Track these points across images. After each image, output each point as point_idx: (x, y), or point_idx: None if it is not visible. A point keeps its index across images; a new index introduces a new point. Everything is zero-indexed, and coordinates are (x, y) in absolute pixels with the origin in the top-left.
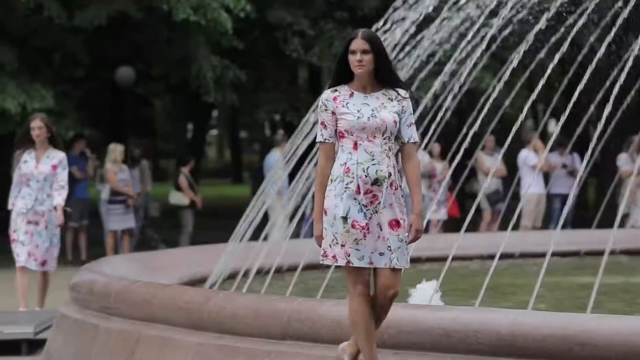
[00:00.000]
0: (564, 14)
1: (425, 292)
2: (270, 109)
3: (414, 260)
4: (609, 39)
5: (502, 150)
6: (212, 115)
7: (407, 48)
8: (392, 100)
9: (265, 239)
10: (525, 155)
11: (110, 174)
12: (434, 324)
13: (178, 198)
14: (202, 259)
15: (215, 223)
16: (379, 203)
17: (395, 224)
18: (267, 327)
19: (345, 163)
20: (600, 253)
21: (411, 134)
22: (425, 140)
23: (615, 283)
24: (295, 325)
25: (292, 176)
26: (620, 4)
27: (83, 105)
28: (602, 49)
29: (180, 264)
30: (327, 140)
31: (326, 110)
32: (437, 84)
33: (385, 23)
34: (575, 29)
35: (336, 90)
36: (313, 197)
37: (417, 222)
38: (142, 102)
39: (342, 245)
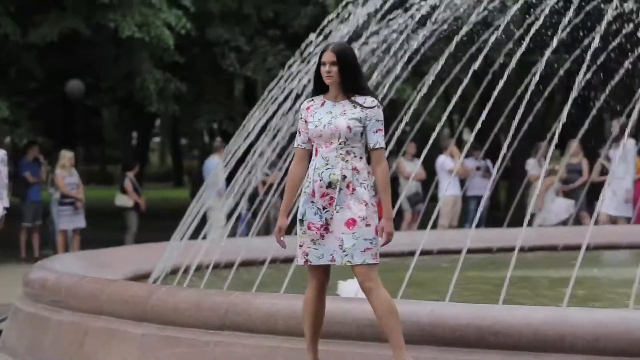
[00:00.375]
0: (478, 32)
1: (353, 286)
2: (209, 119)
3: None
4: (518, 54)
5: (422, 156)
6: (155, 124)
7: None
8: (356, 107)
9: (204, 237)
10: (443, 161)
11: (59, 178)
12: (360, 315)
13: (123, 200)
14: (146, 256)
15: (158, 224)
16: (336, 205)
17: (351, 222)
18: (206, 319)
19: (309, 168)
20: (511, 250)
21: (377, 139)
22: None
23: (525, 277)
24: (232, 317)
25: (229, 180)
26: (528, 22)
27: (36, 115)
28: (512, 64)
29: (125, 261)
30: (299, 146)
31: (301, 118)
32: None
33: (317, 37)
34: (488, 46)
35: (312, 100)
36: (249, 198)
37: (388, 225)
38: (91, 113)
39: (300, 246)
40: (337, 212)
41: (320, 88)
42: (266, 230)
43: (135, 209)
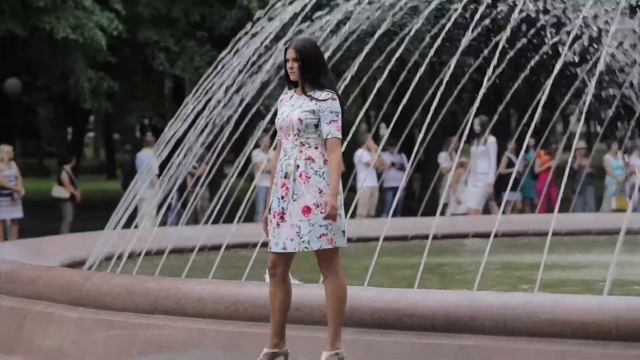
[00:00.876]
0: (395, 33)
1: None
2: (140, 115)
3: (263, 245)
4: (430, 55)
5: (341, 150)
6: (89, 120)
7: (261, 61)
8: (312, 100)
9: (136, 226)
10: (361, 154)
11: None
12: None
13: (60, 192)
14: (81, 244)
15: (92, 214)
16: (292, 194)
17: (306, 210)
18: (139, 303)
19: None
20: (424, 237)
21: (329, 130)
22: (276, 142)
23: (438, 263)
24: (162, 302)
25: (159, 172)
26: (439, 26)
27: None
28: (425, 65)
29: (62, 249)
30: (278, 137)
31: (277, 110)
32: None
33: (240, 39)
34: (402, 47)
35: (286, 94)
36: (178, 189)
37: (331, 200)
38: (28, 109)
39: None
40: (293, 200)
41: (289, 83)
42: (195, 219)
43: (71, 200)
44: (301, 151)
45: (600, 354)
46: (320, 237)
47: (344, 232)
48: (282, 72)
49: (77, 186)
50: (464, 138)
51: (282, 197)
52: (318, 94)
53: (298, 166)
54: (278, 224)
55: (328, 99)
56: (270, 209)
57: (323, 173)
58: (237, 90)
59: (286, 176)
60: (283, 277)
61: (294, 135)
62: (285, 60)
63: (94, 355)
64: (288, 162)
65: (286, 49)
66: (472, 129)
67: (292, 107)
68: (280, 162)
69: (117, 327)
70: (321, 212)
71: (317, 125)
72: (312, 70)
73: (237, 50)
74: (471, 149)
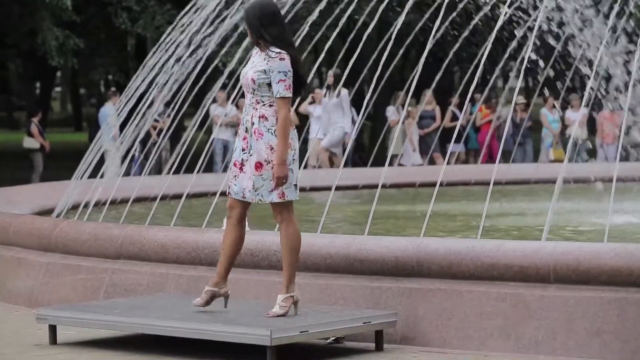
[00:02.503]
0: None
1: None
2: (104, 71)
3: (224, 194)
4: (378, 14)
5: (295, 105)
6: (57, 76)
7: (217, 22)
8: (265, 59)
9: (101, 176)
10: (313, 109)
11: None
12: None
13: (30, 143)
14: (50, 194)
15: (60, 164)
16: (250, 149)
17: (259, 165)
18: (104, 249)
19: None
20: (374, 187)
21: (277, 89)
22: (233, 96)
23: (387, 210)
24: (127, 247)
25: (123, 125)
26: None
27: None
28: (373, 23)
29: (31, 198)
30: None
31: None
32: (240, 51)
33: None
34: (351, 6)
35: (255, 49)
36: (141, 141)
37: (277, 170)
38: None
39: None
40: (250, 155)
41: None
42: (157, 170)
43: (41, 151)
44: (256, 109)
45: (538, 295)
46: (271, 191)
47: (295, 185)
48: (240, 29)
49: (45, 137)
50: (410, 92)
51: (243, 149)
52: (271, 53)
53: (253, 123)
54: (237, 174)
55: (276, 58)
56: (233, 157)
57: (275, 131)
58: (197, 48)
59: (246, 130)
60: (238, 219)
61: (251, 93)
62: None
63: (63, 297)
64: (247, 118)
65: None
66: (328, 80)
67: (252, 65)
68: (242, 116)
69: (85, 271)
70: (272, 169)
71: (269, 84)
72: (254, 31)
73: (198, 9)
74: (323, 101)
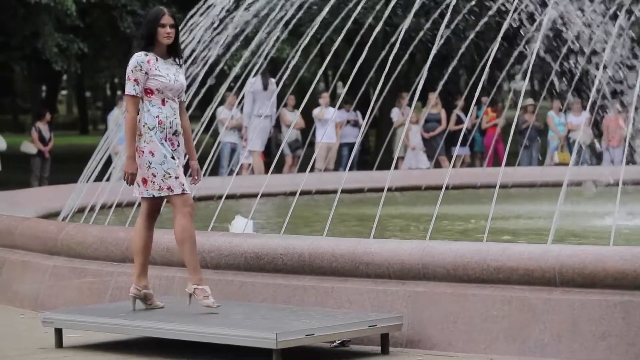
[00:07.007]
0: None
1: (240, 223)
2: (109, 75)
3: (230, 197)
4: (384, 18)
5: (301, 107)
6: (62, 79)
7: (221, 26)
8: (175, 65)
9: (108, 179)
10: (318, 111)
11: None
12: (247, 248)
13: (27, 147)
14: (56, 196)
15: (66, 167)
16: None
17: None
18: (110, 252)
19: (158, 116)
20: (380, 190)
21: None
22: (239, 99)
23: (393, 214)
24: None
25: None
26: None
27: None
28: (379, 26)
29: (37, 201)
30: (137, 95)
31: (140, 70)
32: (246, 54)
33: (204, 3)
34: (357, 10)
35: (147, 55)
36: None
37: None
38: (4, 67)
39: (177, 177)
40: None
41: (148, 46)
42: None
43: (39, 156)
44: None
45: (544, 298)
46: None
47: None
48: (168, 33)
49: (48, 141)
50: (416, 95)
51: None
52: (176, 59)
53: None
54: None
55: (183, 64)
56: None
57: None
58: (203, 50)
59: (175, 133)
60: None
61: (178, 98)
62: (162, 25)
63: (69, 300)
64: (177, 122)
65: (162, 15)
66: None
67: (176, 71)
68: (169, 119)
69: (90, 274)
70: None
71: None
72: (178, 37)
73: (203, 13)
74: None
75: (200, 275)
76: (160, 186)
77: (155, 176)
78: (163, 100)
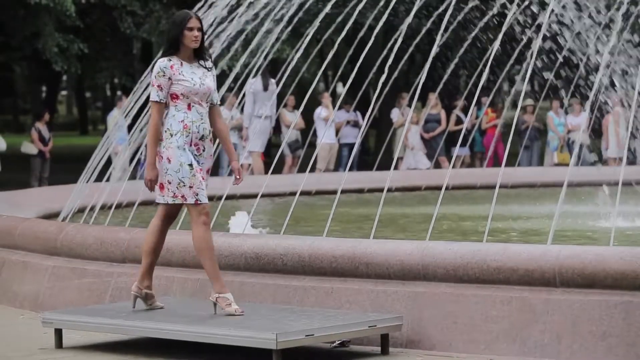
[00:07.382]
0: None
1: (240, 223)
2: (109, 75)
3: (230, 197)
4: (384, 18)
5: (301, 107)
6: (62, 79)
7: (221, 26)
8: (203, 68)
9: (108, 180)
10: (319, 112)
11: None
12: (247, 249)
13: (27, 148)
14: (56, 197)
15: (65, 167)
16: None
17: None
18: (110, 252)
19: (183, 120)
20: (380, 190)
21: (217, 97)
22: (239, 99)
23: (393, 213)
24: (133, 251)
25: (129, 128)
26: None
27: None
28: (379, 27)
29: (37, 202)
30: (161, 100)
31: (164, 75)
32: (246, 54)
33: (203, 5)
34: (357, 10)
35: (170, 60)
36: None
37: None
38: (4, 68)
39: (191, 187)
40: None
41: (172, 50)
42: None
43: (39, 156)
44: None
45: (544, 299)
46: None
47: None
48: (195, 37)
49: (48, 141)
50: (416, 96)
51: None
52: (203, 62)
53: (210, 130)
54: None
55: (212, 67)
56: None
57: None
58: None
59: (202, 138)
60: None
61: (206, 101)
62: (189, 29)
63: (69, 301)
64: (204, 126)
65: (189, 18)
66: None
67: (203, 74)
68: (195, 124)
69: (90, 275)
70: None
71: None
72: (203, 40)
73: (203, 13)
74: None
75: (222, 283)
76: (174, 193)
77: (170, 183)
78: (189, 105)
